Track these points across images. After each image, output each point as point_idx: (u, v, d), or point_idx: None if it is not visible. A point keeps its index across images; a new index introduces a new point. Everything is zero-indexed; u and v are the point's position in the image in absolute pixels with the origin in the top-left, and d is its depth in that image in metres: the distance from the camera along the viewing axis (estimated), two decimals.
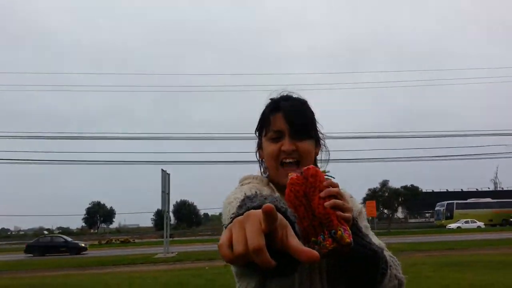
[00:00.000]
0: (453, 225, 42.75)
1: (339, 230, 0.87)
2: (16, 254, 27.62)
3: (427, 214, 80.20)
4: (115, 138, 34.55)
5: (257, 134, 1.27)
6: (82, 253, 27.00)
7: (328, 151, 1.29)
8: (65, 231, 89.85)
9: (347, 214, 0.90)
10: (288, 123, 1.16)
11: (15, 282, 10.01)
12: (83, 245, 28.64)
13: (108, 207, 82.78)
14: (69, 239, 30.48)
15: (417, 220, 72.08)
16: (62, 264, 16.66)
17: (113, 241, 42.04)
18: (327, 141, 1.30)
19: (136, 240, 45.06)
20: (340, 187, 1.17)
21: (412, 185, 55.92)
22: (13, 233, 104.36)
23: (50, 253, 26.98)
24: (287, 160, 1.15)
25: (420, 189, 57.24)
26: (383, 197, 50.00)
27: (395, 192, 50.71)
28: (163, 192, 20.30)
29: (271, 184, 1.22)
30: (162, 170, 20.62)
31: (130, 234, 61.94)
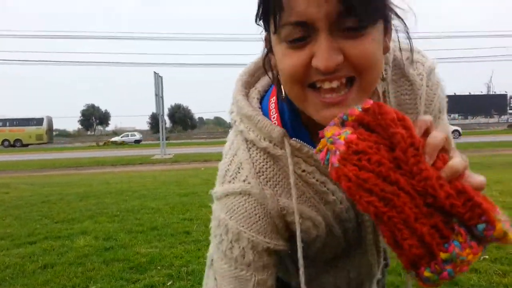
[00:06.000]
0: None
1: (497, 219, 0.46)
2: (19, 154, 28.11)
3: None
4: (101, 37, 33.12)
5: (263, 26, 0.64)
6: None
7: (409, 37, 0.69)
8: (62, 133, 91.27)
9: (479, 180, 0.51)
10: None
11: (16, 181, 10.24)
12: None
13: (103, 110, 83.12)
14: None
15: None
16: (61, 164, 17.05)
17: (111, 143, 42.64)
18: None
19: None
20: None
21: None
22: None
23: None
24: (326, 86, 0.58)
25: None
26: None
27: None
28: (156, 95, 20.15)
29: (287, 145, 0.71)
30: (155, 72, 20.23)
31: None
